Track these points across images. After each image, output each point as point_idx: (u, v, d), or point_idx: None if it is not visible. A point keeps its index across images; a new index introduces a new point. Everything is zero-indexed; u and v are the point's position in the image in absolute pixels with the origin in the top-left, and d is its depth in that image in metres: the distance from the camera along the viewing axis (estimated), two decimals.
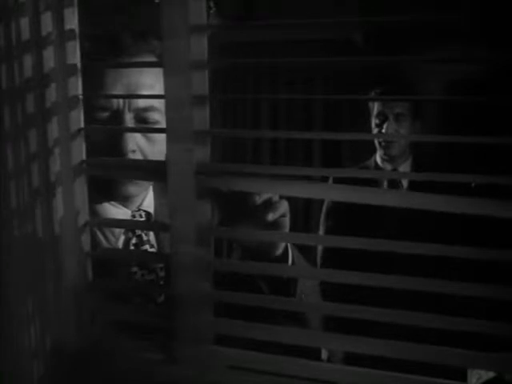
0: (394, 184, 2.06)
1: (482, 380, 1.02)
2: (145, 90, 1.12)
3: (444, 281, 0.82)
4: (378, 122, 2.11)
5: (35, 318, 0.94)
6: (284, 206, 1.02)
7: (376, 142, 2.14)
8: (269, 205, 1.00)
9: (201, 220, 0.91)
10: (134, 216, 1.20)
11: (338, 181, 2.16)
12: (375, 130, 2.06)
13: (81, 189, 0.95)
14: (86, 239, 0.96)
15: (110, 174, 1.02)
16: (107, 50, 1.11)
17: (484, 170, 0.84)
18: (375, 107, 2.09)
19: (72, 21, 0.91)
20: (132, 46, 1.12)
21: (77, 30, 0.91)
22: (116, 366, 0.96)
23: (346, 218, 1.82)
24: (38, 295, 0.93)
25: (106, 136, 1.10)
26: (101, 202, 1.15)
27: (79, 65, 0.92)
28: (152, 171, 0.97)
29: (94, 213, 1.11)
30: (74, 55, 0.92)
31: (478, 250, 0.80)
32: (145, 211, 1.21)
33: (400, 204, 0.83)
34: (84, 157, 0.95)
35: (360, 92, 2.22)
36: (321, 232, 2.18)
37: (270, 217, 0.99)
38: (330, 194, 0.89)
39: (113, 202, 1.17)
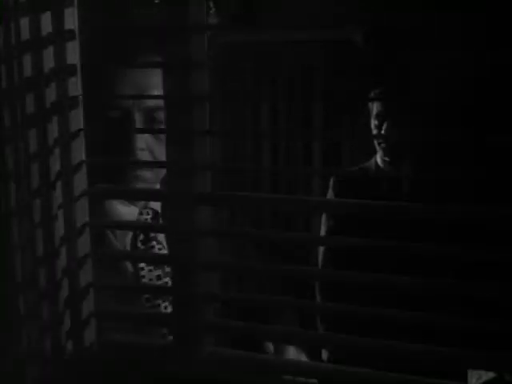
0: (395, 185, 2.06)
1: (482, 380, 1.02)
2: (154, 90, 1.14)
3: (447, 281, 0.82)
4: (377, 122, 2.10)
5: (34, 320, 0.93)
6: None
7: (376, 142, 2.13)
8: None
9: (200, 220, 0.92)
10: (141, 213, 1.21)
11: (339, 181, 2.15)
12: (375, 131, 2.06)
13: (81, 189, 0.95)
14: (85, 239, 0.96)
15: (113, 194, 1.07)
16: (114, 49, 1.12)
17: (485, 170, 0.83)
18: (374, 108, 2.08)
19: (72, 21, 0.91)
20: (137, 46, 1.13)
21: (76, 30, 0.91)
22: (115, 366, 0.96)
23: (347, 217, 1.81)
24: (36, 297, 0.93)
25: (115, 134, 1.12)
26: (109, 200, 1.18)
27: (79, 65, 0.92)
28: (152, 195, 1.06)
29: (102, 211, 1.14)
30: (74, 55, 0.92)
31: (476, 251, 0.80)
32: (152, 209, 1.22)
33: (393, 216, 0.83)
34: (84, 157, 0.95)
35: (360, 92, 2.21)
36: (322, 232, 2.18)
37: None
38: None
39: (121, 200, 1.19)
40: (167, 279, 1.19)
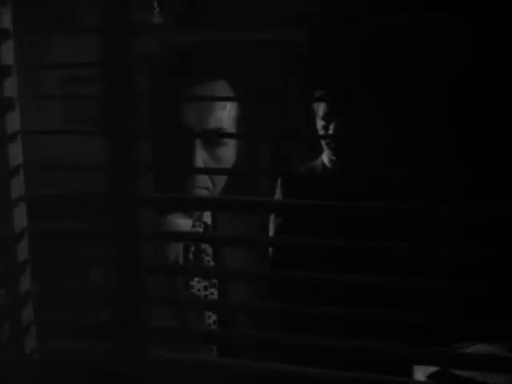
0: (343, 184, 2.07)
1: (428, 372, 1.04)
2: (218, 109, 1.26)
3: (404, 278, 0.83)
4: (324, 123, 2.11)
5: None
6: None
7: (323, 142, 2.15)
8: None
9: (143, 222, 0.91)
10: (194, 226, 1.31)
11: (287, 181, 2.16)
12: (322, 132, 2.07)
13: (19, 193, 0.92)
14: (24, 245, 0.94)
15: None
16: None
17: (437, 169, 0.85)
18: (320, 108, 2.10)
19: (6, 21, 0.88)
20: None
21: (11, 30, 0.88)
22: (57, 372, 0.94)
23: (296, 216, 1.81)
24: None
25: (176, 151, 1.21)
26: (167, 213, 1.27)
27: (14, 65, 0.89)
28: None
29: (161, 223, 1.24)
30: (9, 55, 0.89)
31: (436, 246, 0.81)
32: (203, 222, 1.32)
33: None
34: (21, 160, 0.93)
35: (306, 93, 2.22)
36: (270, 230, 2.18)
37: None
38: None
39: (179, 213, 1.28)
40: (213, 290, 1.28)
